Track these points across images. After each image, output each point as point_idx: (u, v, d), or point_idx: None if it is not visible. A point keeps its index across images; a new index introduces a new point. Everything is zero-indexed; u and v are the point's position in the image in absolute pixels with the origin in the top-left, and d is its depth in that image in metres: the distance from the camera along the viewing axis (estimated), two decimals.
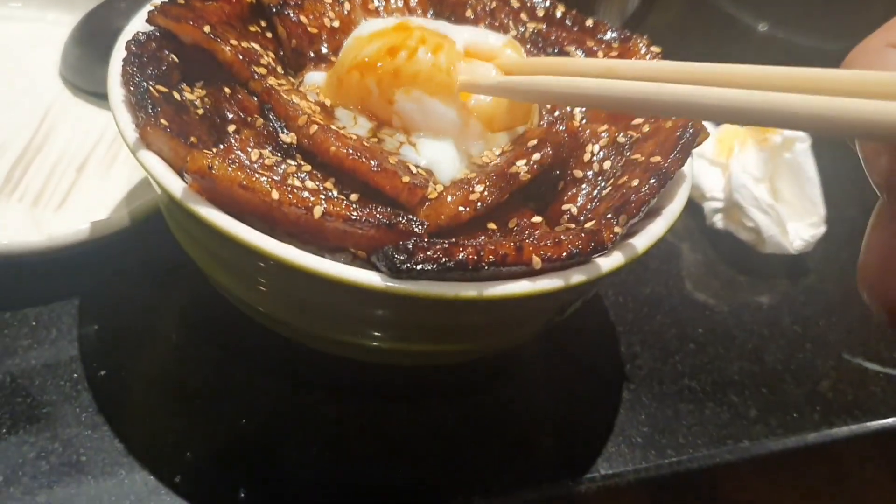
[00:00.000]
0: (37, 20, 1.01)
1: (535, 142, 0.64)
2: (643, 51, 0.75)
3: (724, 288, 0.92)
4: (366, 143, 0.62)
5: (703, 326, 0.86)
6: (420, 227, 0.56)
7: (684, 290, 0.90)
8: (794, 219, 0.94)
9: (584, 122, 0.72)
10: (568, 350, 0.79)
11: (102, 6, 0.94)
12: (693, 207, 0.99)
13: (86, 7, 0.97)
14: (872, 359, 0.87)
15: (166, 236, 0.69)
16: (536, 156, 0.63)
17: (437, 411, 0.72)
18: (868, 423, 0.80)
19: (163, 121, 0.59)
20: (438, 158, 0.64)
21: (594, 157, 0.67)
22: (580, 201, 0.65)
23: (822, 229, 0.93)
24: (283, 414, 0.69)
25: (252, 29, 0.75)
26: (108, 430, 0.66)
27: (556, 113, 0.73)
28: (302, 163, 0.62)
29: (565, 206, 0.65)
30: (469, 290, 0.54)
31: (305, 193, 0.55)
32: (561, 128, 0.65)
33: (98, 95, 0.92)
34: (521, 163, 0.63)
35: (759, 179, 0.95)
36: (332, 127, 0.63)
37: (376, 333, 0.62)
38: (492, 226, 0.63)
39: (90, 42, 0.91)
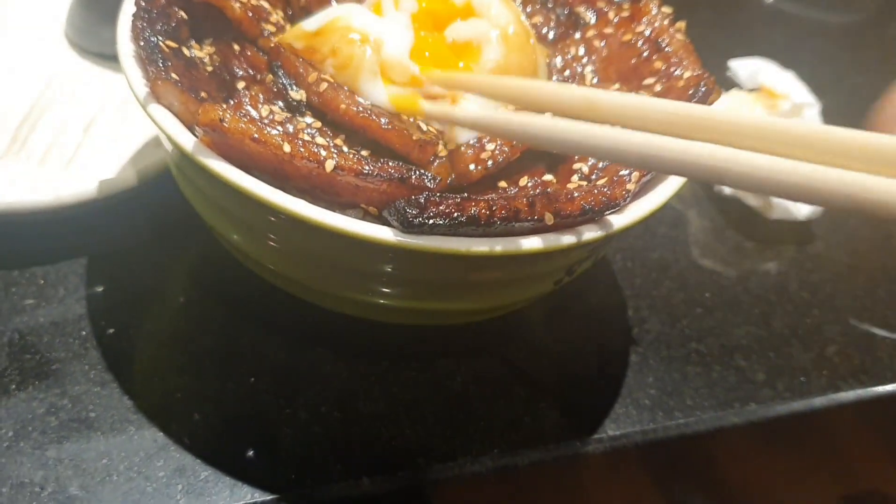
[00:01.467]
0: None
1: None
2: (654, 11, 0.74)
3: (731, 253, 0.92)
4: None
5: (711, 291, 0.86)
6: (432, 181, 0.56)
7: (692, 255, 0.90)
8: None
9: (595, 81, 0.71)
10: (576, 313, 0.79)
11: None
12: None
13: None
14: (879, 324, 0.87)
15: (175, 196, 0.68)
16: (549, 114, 0.62)
17: (446, 371, 0.72)
18: (874, 388, 0.80)
19: (173, 75, 0.59)
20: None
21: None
22: (591, 160, 0.65)
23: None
24: (292, 373, 0.69)
25: None
26: (116, 388, 0.66)
27: (567, 72, 0.72)
28: (312, 119, 0.62)
29: (576, 165, 0.65)
30: (481, 246, 0.54)
31: (317, 148, 0.55)
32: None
33: (105, 57, 0.92)
34: None
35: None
36: (342, 86, 0.62)
37: (387, 290, 0.62)
38: (503, 184, 0.63)
39: (95, 4, 0.90)
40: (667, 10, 0.74)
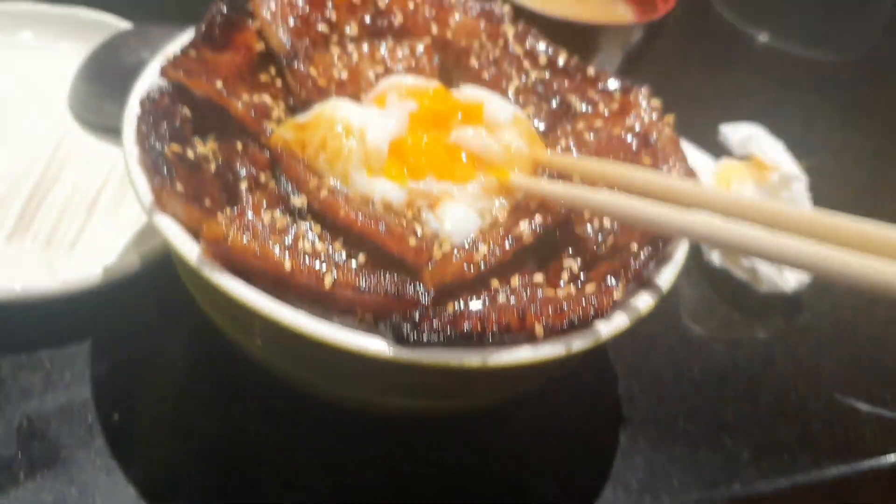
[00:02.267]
0: (47, 49, 1.03)
1: (536, 204, 0.66)
2: (644, 105, 0.76)
3: (719, 326, 0.94)
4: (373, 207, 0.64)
5: (699, 366, 0.88)
6: (426, 296, 0.58)
7: (681, 328, 0.93)
8: None
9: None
10: (566, 392, 0.81)
11: (110, 42, 0.95)
12: (691, 243, 1.01)
13: (96, 37, 0.99)
14: (863, 398, 0.89)
15: (176, 278, 0.71)
16: (539, 218, 0.65)
17: (439, 457, 0.74)
18: (858, 464, 0.83)
19: (178, 185, 0.61)
20: (458, 223, 0.66)
21: (594, 214, 0.69)
22: (580, 258, 0.67)
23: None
24: (293, 460, 0.71)
25: (262, 78, 0.76)
26: (121, 476, 0.68)
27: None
28: (312, 223, 0.64)
29: (566, 263, 0.67)
30: (473, 359, 0.56)
31: (317, 263, 0.57)
32: (561, 184, 0.67)
33: (107, 130, 0.94)
34: (524, 224, 0.64)
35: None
36: (341, 191, 0.65)
37: (381, 392, 0.64)
38: (495, 283, 0.65)
39: (99, 79, 0.93)
40: (656, 102, 0.77)
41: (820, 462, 0.82)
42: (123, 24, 1.02)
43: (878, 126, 1.41)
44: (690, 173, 0.72)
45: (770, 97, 1.42)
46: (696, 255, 1.00)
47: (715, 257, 0.98)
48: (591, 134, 0.76)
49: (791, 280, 0.94)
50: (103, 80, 0.92)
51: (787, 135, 1.09)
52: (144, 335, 0.79)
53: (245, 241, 0.57)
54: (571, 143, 0.76)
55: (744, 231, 0.54)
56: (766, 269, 0.94)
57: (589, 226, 0.69)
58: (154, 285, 0.79)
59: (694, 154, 1.10)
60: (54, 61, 1.01)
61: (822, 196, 1.00)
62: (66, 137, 0.93)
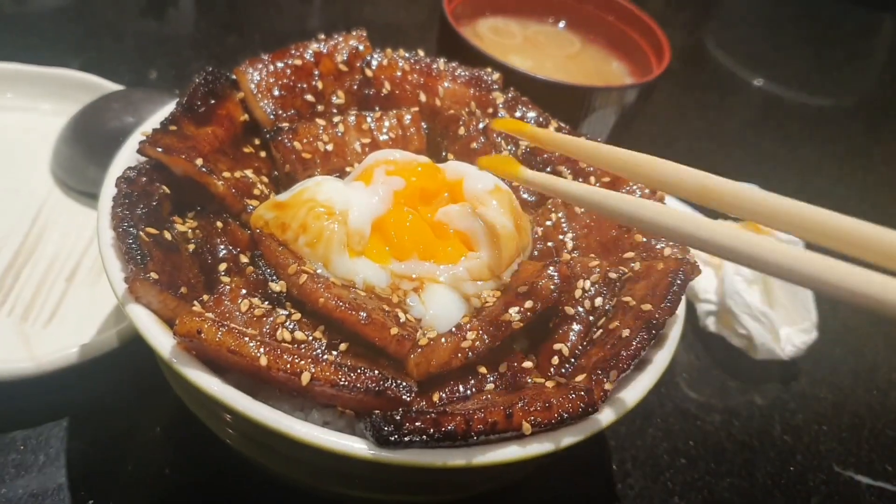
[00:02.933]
0: (30, 110, 1.01)
1: (525, 287, 0.63)
2: (633, 185, 0.75)
3: (715, 394, 0.92)
4: (354, 294, 0.62)
5: (695, 439, 0.86)
6: (409, 393, 0.56)
7: (676, 397, 0.90)
8: (787, 324, 0.94)
9: (575, 253, 0.72)
10: (560, 471, 0.79)
11: (93, 105, 0.94)
12: (686, 307, 0.98)
13: (78, 97, 0.98)
14: (864, 471, 0.86)
15: (152, 356, 0.68)
16: (528, 303, 0.62)
17: None
18: None
19: (152, 274, 0.59)
20: (443, 308, 0.64)
21: (585, 294, 0.67)
22: (571, 341, 0.65)
23: (813, 335, 0.93)
24: None
25: (246, 150, 0.75)
26: None
27: (549, 243, 0.73)
28: (291, 311, 0.62)
29: (556, 346, 0.65)
30: (457, 458, 0.54)
31: (294, 358, 0.55)
32: (552, 272, 0.64)
33: (89, 195, 0.92)
34: (513, 310, 0.62)
35: (751, 282, 0.95)
36: (321, 276, 0.62)
37: (360, 488, 0.61)
38: (482, 370, 0.63)
39: (81, 142, 0.91)
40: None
41: None
42: (108, 85, 1.00)
43: (874, 179, 1.39)
44: (685, 265, 0.69)
45: (766, 150, 1.40)
46: (691, 320, 0.98)
47: (710, 323, 0.96)
48: (582, 209, 0.74)
49: (788, 347, 0.92)
50: (86, 145, 0.90)
51: (785, 188, 1.07)
52: (121, 414, 0.77)
53: (219, 337, 0.54)
54: (562, 217, 0.74)
55: (758, 241, 0.53)
56: (761, 337, 0.92)
57: (580, 307, 0.67)
58: (131, 363, 0.76)
59: (690, 214, 1.08)
60: (37, 121, 0.99)
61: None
62: (47, 202, 0.91)
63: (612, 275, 0.68)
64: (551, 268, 0.65)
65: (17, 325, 0.78)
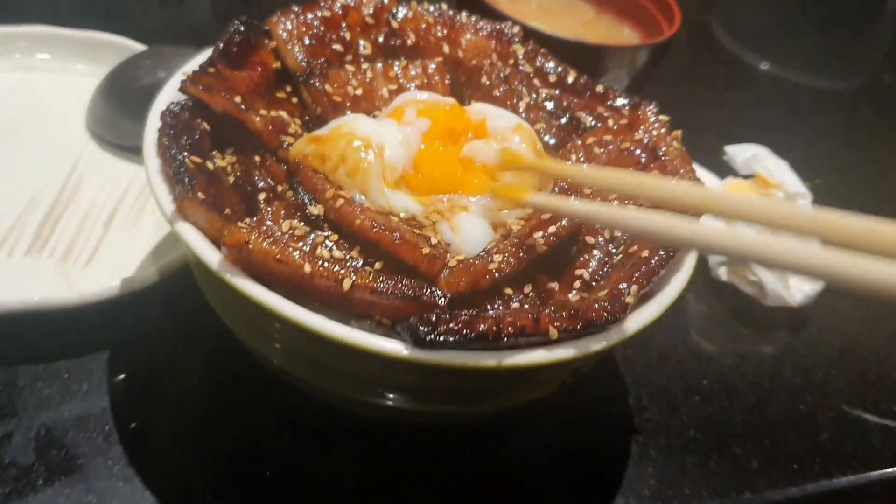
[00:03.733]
0: (64, 71, 1.05)
1: (549, 215, 0.67)
2: (652, 119, 0.78)
3: (727, 340, 0.95)
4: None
5: (708, 378, 0.89)
6: (443, 298, 0.59)
7: (690, 341, 0.94)
8: (797, 276, 0.97)
9: (594, 188, 0.75)
10: (579, 403, 0.82)
11: (127, 62, 0.98)
12: (698, 259, 1.02)
13: (112, 59, 1.01)
14: (871, 410, 0.90)
15: (194, 289, 0.72)
16: (552, 228, 0.66)
17: (452, 467, 0.75)
18: (867, 474, 0.83)
19: (199, 193, 0.62)
20: (472, 234, 0.67)
21: (606, 227, 0.70)
22: (592, 267, 0.68)
23: (821, 283, 0.97)
24: (307, 467, 0.72)
25: (279, 95, 0.78)
26: (139, 482, 0.69)
27: (566, 182, 0.76)
28: (329, 233, 0.65)
29: (578, 272, 0.68)
30: (489, 360, 0.57)
31: (335, 267, 0.59)
32: (575, 200, 0.68)
33: (124, 148, 0.96)
34: (538, 234, 0.66)
35: (762, 234, 0.98)
36: (357, 201, 0.66)
37: (398, 396, 0.65)
38: (508, 291, 0.66)
39: (116, 97, 0.95)
40: (664, 118, 0.78)
41: (829, 472, 0.82)
42: (138, 47, 1.04)
43: (881, 148, 1.42)
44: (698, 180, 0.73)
45: (773, 120, 1.44)
46: (703, 270, 1.02)
47: (722, 272, 1.00)
48: (601, 149, 0.77)
49: (797, 294, 0.96)
50: (121, 100, 0.94)
51: (791, 157, 1.11)
52: (161, 346, 0.80)
53: (265, 246, 0.58)
54: (581, 158, 0.77)
55: (753, 240, 0.53)
56: (772, 284, 0.95)
57: (601, 237, 0.70)
58: (171, 297, 0.80)
59: (700, 174, 1.12)
60: (71, 82, 1.03)
61: None
62: (83, 156, 0.95)
63: (631, 203, 0.72)
64: (573, 195, 0.69)
65: (59, 265, 0.81)
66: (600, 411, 0.84)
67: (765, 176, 1.01)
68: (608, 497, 0.75)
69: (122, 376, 0.77)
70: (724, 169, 1.10)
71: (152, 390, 0.76)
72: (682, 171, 0.74)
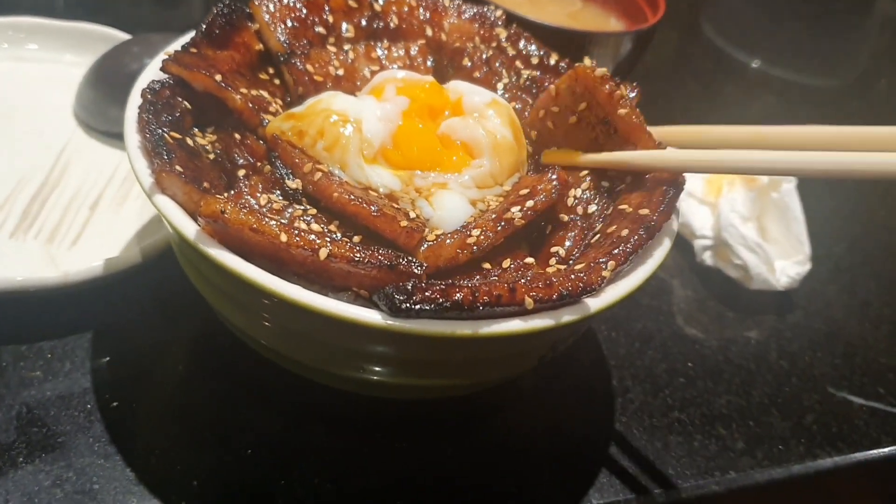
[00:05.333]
0: (53, 61, 1.06)
1: (527, 190, 0.68)
2: (631, 95, 0.78)
3: (712, 323, 0.95)
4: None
5: (693, 361, 0.89)
6: (419, 268, 0.59)
7: (674, 325, 0.94)
8: (781, 257, 0.97)
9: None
10: (562, 384, 0.82)
11: (115, 49, 0.98)
12: (683, 244, 1.02)
13: (99, 49, 1.02)
14: (856, 392, 0.90)
15: (176, 271, 0.72)
16: (530, 202, 0.66)
17: (437, 445, 0.75)
18: (852, 455, 0.83)
19: (177, 167, 0.62)
20: (451, 211, 0.67)
21: (578, 201, 0.70)
22: (567, 244, 0.69)
23: (807, 267, 0.97)
24: (288, 446, 0.72)
25: (262, 76, 0.79)
26: (119, 460, 0.69)
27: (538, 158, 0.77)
28: (307, 206, 0.65)
29: (553, 248, 0.68)
30: (464, 329, 0.57)
31: (312, 236, 0.59)
32: (551, 175, 0.69)
33: (110, 135, 0.96)
34: (515, 209, 0.66)
35: (746, 218, 0.98)
36: (335, 175, 0.66)
37: (377, 368, 0.65)
38: (486, 265, 0.66)
39: (103, 84, 0.95)
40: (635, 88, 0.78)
41: (814, 453, 0.82)
42: (126, 37, 1.04)
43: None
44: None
45: (761, 115, 1.44)
46: (688, 255, 1.02)
47: (707, 257, 1.00)
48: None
49: (783, 278, 0.96)
50: (108, 86, 0.94)
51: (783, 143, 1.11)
52: (144, 327, 0.80)
53: (242, 216, 0.58)
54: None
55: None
56: (757, 268, 0.95)
57: (575, 214, 0.71)
58: (155, 279, 0.80)
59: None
60: (60, 71, 1.04)
61: (812, 200, 1.02)
62: (70, 142, 0.95)
63: (605, 183, 0.72)
64: (550, 173, 0.69)
65: (44, 246, 0.82)
66: (583, 392, 0.84)
67: None
68: (591, 477, 0.75)
69: (105, 357, 0.77)
70: None
71: (135, 371, 0.76)
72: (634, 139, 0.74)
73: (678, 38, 1.74)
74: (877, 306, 1.03)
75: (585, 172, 0.72)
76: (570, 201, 0.70)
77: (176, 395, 0.76)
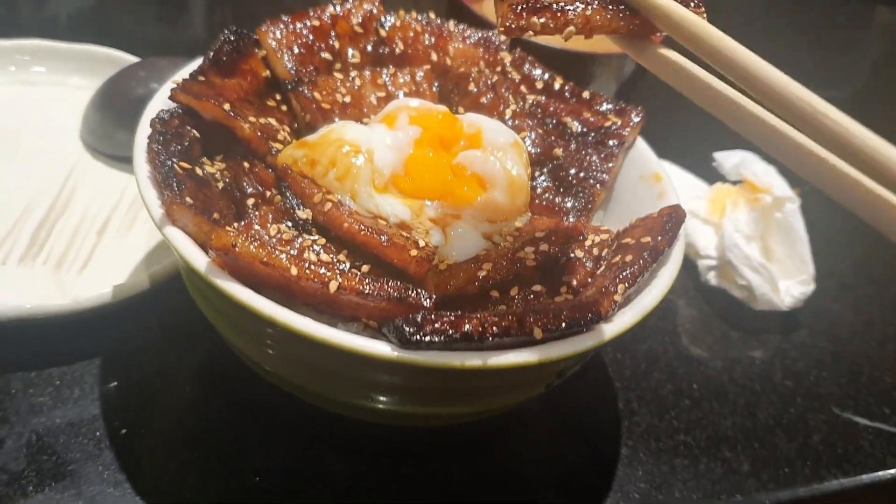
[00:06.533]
0: (59, 84, 1.06)
1: (543, 233, 0.68)
2: (636, 119, 0.79)
3: (717, 343, 0.95)
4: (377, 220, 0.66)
5: (698, 382, 0.89)
6: (428, 300, 0.60)
7: (680, 345, 0.94)
8: (785, 277, 0.97)
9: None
10: (568, 407, 0.83)
11: (122, 73, 0.99)
12: (687, 264, 1.03)
13: (106, 72, 1.02)
14: (862, 413, 0.90)
15: (184, 296, 0.73)
16: (544, 246, 0.67)
17: (444, 469, 0.75)
18: (858, 477, 0.83)
19: (188, 198, 0.63)
20: (461, 242, 0.68)
21: (593, 245, 0.72)
22: (579, 275, 0.69)
23: (811, 287, 0.97)
24: (296, 472, 0.72)
25: (269, 103, 0.79)
26: (129, 488, 0.69)
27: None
28: (317, 236, 0.66)
29: (565, 278, 0.69)
30: (474, 360, 0.58)
31: (322, 269, 0.59)
32: (569, 221, 0.69)
33: (117, 159, 0.97)
34: (529, 249, 0.67)
35: (750, 238, 0.99)
36: (345, 205, 0.67)
37: (385, 397, 0.65)
38: (495, 293, 0.67)
39: (110, 108, 0.96)
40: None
41: (820, 474, 0.82)
42: (133, 60, 1.05)
43: None
44: (676, 209, 0.73)
45: None
46: (693, 275, 1.02)
47: (711, 277, 1.00)
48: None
49: (787, 298, 0.96)
50: (114, 110, 0.95)
51: (779, 163, 1.11)
52: (152, 352, 0.80)
53: (252, 249, 0.59)
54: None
55: None
56: (761, 288, 0.96)
57: (588, 253, 0.71)
58: (163, 305, 0.81)
59: (688, 180, 1.13)
60: (67, 94, 1.04)
61: (816, 219, 1.02)
62: (78, 165, 0.96)
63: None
64: (569, 221, 0.70)
65: (52, 272, 0.82)
66: (590, 415, 0.84)
67: (753, 181, 1.02)
68: (599, 499, 0.75)
69: (113, 383, 0.77)
70: (712, 175, 1.11)
71: (143, 397, 0.77)
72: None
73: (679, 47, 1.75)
74: (881, 325, 1.03)
75: (606, 228, 0.74)
76: (587, 243, 0.71)
77: (184, 422, 0.76)
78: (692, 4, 0.60)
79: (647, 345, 0.93)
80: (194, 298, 0.71)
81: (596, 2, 0.58)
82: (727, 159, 1.10)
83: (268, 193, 0.71)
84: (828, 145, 0.51)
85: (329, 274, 0.59)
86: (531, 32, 0.58)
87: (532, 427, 0.81)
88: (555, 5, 0.57)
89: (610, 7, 0.59)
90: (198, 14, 1.50)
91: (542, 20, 0.57)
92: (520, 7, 0.57)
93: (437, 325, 0.57)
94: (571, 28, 0.58)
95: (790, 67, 1.66)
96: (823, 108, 0.51)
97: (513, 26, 0.57)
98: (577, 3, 0.58)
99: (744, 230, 0.98)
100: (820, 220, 1.03)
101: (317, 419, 0.73)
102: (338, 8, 0.85)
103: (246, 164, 0.72)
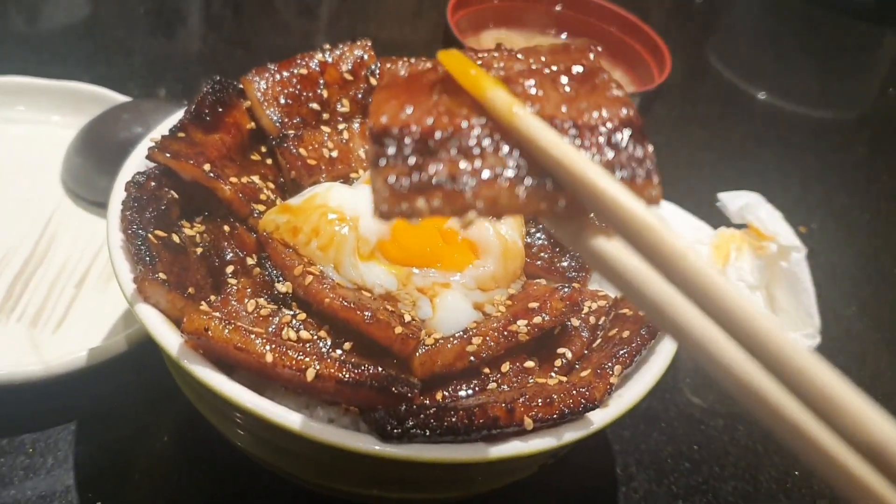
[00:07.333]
0: (41, 122, 1.03)
1: (536, 304, 0.65)
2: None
3: (718, 400, 0.92)
4: (360, 294, 0.63)
5: (699, 443, 0.86)
6: (412, 390, 0.56)
7: (680, 402, 0.91)
8: (790, 329, 0.94)
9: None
10: (564, 475, 0.79)
11: (104, 116, 0.95)
12: None
13: (89, 109, 0.99)
14: None
15: (162, 360, 0.69)
16: (538, 319, 0.64)
17: None
18: None
19: (161, 273, 0.60)
20: (450, 313, 0.65)
21: (591, 311, 0.68)
22: (576, 347, 0.66)
23: (817, 340, 0.94)
24: None
25: (253, 157, 0.76)
26: None
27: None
28: (297, 311, 0.63)
29: (560, 350, 0.66)
30: (460, 453, 0.55)
31: (299, 356, 0.56)
32: (564, 293, 0.66)
33: (99, 204, 0.93)
34: (521, 322, 0.63)
35: (754, 287, 0.95)
36: (327, 277, 0.64)
37: (367, 486, 0.62)
38: (486, 370, 0.64)
39: (91, 153, 0.93)
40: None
41: None
42: (118, 97, 1.01)
43: (878, 188, 1.40)
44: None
45: (769, 160, 1.41)
46: None
47: None
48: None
49: None
50: (96, 155, 0.92)
51: (787, 197, 1.09)
52: (129, 417, 0.77)
53: (226, 334, 0.55)
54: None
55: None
56: None
57: (584, 322, 0.68)
58: (140, 366, 0.77)
59: (691, 222, 1.09)
60: (48, 133, 1.01)
61: (823, 262, 0.99)
62: (58, 210, 0.92)
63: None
64: (564, 290, 0.66)
65: (27, 330, 0.79)
66: (587, 482, 0.81)
67: (757, 226, 0.98)
68: None
69: (87, 449, 0.74)
70: (716, 216, 1.07)
71: (118, 464, 0.74)
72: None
73: (685, 71, 1.71)
74: (888, 377, 1.00)
75: (603, 294, 0.70)
76: (584, 311, 0.68)
77: (159, 492, 0.73)
78: (638, 179, 0.44)
79: (647, 402, 0.88)
80: (171, 373, 0.68)
81: (509, 174, 0.41)
82: (732, 201, 1.07)
83: (248, 261, 0.68)
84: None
85: (307, 359, 0.56)
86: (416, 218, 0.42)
87: (526, 497, 0.78)
88: (449, 183, 0.41)
89: (527, 182, 0.41)
90: (191, 41, 1.47)
91: (433, 203, 0.41)
92: (402, 183, 0.41)
93: (420, 418, 0.54)
94: (472, 213, 0.41)
95: (798, 89, 1.63)
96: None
97: (392, 210, 0.41)
98: (482, 175, 0.41)
99: (748, 279, 0.95)
100: (827, 265, 1.01)
101: (296, 494, 0.70)
102: (327, 55, 0.81)
103: (226, 228, 0.69)
